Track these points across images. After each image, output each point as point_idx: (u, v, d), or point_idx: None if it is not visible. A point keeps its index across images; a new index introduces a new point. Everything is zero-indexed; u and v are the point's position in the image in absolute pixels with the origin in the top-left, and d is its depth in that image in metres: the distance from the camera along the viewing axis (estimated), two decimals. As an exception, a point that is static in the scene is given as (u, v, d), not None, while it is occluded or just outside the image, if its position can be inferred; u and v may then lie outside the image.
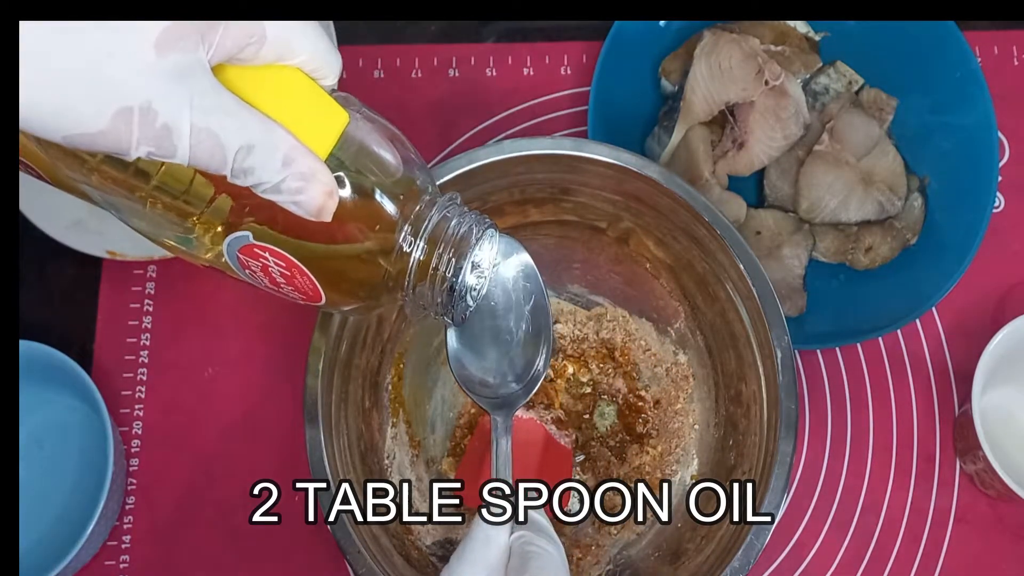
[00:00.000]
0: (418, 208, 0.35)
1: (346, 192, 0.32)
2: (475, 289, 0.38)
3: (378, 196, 0.34)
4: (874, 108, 0.63)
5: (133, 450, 0.59)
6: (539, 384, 0.45)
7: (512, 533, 0.40)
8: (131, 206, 0.33)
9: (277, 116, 0.30)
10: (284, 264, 0.34)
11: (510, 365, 0.46)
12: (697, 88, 0.61)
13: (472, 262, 0.37)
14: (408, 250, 0.35)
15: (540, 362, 0.45)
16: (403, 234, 0.35)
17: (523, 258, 0.43)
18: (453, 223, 0.36)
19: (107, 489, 0.53)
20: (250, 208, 0.32)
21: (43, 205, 0.57)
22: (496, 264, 0.40)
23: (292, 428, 0.59)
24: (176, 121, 0.27)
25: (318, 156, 0.31)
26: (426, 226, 0.36)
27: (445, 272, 0.36)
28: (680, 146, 0.62)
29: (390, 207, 0.34)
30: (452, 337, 0.45)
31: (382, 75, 0.67)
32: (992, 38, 0.69)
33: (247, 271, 0.35)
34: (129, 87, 0.26)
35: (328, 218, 0.31)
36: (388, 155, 0.34)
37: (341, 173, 0.32)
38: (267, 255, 0.33)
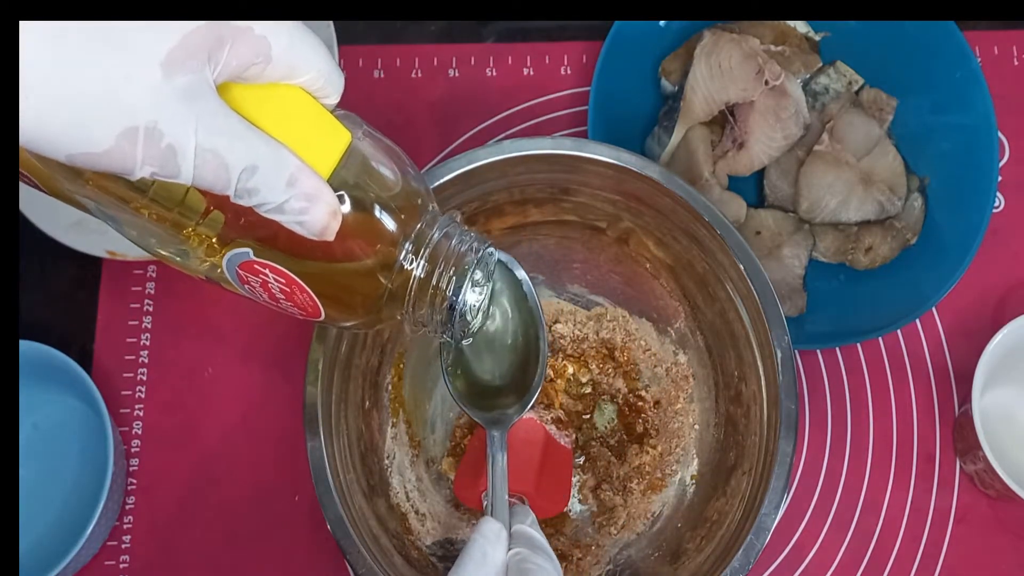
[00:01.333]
0: (419, 226, 0.36)
1: (348, 210, 0.33)
2: (474, 307, 0.38)
3: (380, 214, 0.34)
4: (874, 108, 0.63)
5: (133, 450, 0.59)
6: (535, 400, 0.46)
7: (509, 550, 0.41)
8: (126, 217, 0.33)
9: (281, 136, 0.30)
10: (284, 280, 0.34)
11: (505, 380, 0.46)
12: (697, 88, 0.61)
13: (472, 281, 0.37)
14: (409, 268, 0.36)
15: (535, 377, 0.45)
16: (404, 252, 0.35)
17: (519, 274, 0.43)
18: (454, 242, 0.37)
19: (107, 489, 0.53)
20: (245, 221, 0.32)
21: (44, 205, 0.57)
22: (493, 283, 0.41)
23: (292, 427, 0.59)
24: (181, 142, 0.27)
25: (321, 176, 0.31)
26: (427, 244, 0.36)
27: (445, 290, 0.37)
28: (680, 146, 0.62)
29: (391, 225, 0.34)
30: (447, 352, 0.45)
31: (382, 75, 0.67)
32: (992, 38, 0.69)
33: (246, 286, 0.35)
34: (135, 107, 0.26)
35: (331, 238, 0.31)
36: (389, 173, 0.35)
37: (343, 192, 0.32)
38: (267, 271, 0.33)
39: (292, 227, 0.31)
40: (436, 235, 0.36)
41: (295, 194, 0.30)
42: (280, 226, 0.31)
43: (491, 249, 0.39)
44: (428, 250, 0.36)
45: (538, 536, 0.43)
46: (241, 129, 0.29)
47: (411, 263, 0.36)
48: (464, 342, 0.43)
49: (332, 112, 0.33)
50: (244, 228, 0.32)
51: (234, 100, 0.30)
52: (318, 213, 0.30)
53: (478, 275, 0.38)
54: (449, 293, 0.37)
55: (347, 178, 0.33)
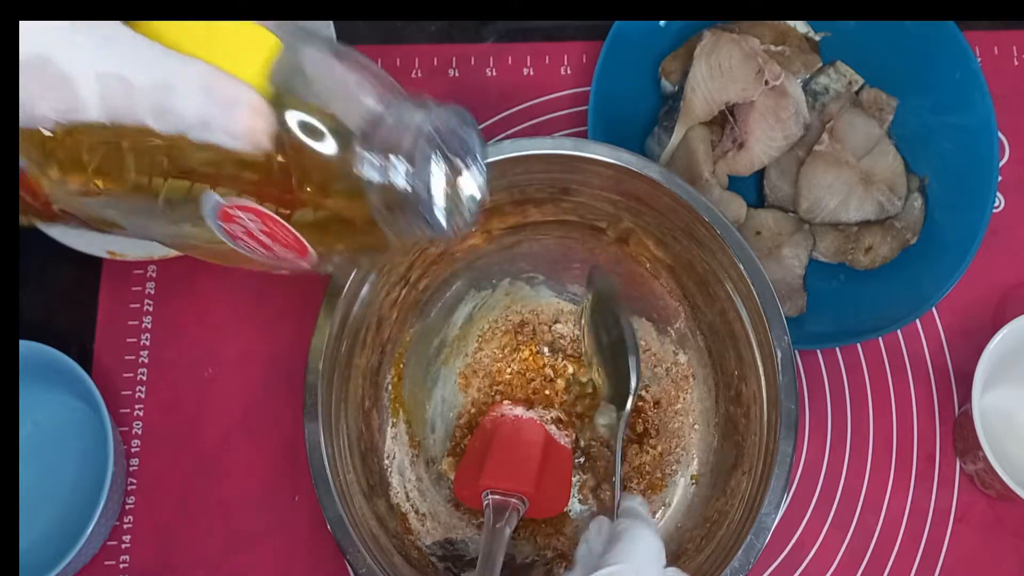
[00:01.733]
0: (377, 128, 0.33)
1: (293, 122, 0.31)
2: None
3: (326, 122, 0.32)
4: (874, 108, 0.63)
5: (133, 450, 0.59)
6: (633, 401, 0.53)
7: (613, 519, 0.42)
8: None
9: (193, 51, 0.29)
10: (258, 218, 0.32)
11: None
12: (697, 88, 0.61)
13: (435, 159, 0.33)
14: (362, 170, 0.33)
15: (633, 379, 0.53)
16: (358, 156, 0.32)
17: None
18: (412, 127, 0.33)
19: (107, 489, 0.53)
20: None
21: (43, 205, 0.57)
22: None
23: (292, 428, 0.59)
24: (76, 68, 0.25)
25: (245, 81, 0.29)
26: (379, 142, 0.33)
27: (403, 181, 0.33)
28: (680, 146, 0.62)
29: (341, 131, 0.32)
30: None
31: (382, 75, 0.67)
32: (992, 38, 0.69)
33: (238, 242, 0.34)
34: (19, 37, 0.24)
35: (265, 141, 0.30)
36: (342, 80, 0.33)
37: (287, 103, 0.31)
38: (240, 213, 0.32)
39: (227, 144, 0.29)
40: (391, 131, 0.33)
41: (213, 102, 0.28)
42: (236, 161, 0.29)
43: (457, 122, 0.34)
44: (377, 146, 0.33)
45: (639, 508, 0.45)
46: (145, 48, 0.27)
47: (362, 163, 0.32)
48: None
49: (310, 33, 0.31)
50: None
51: (138, 25, 0.28)
52: (241, 115, 0.29)
53: (451, 155, 0.34)
54: (406, 183, 0.33)
55: (286, 88, 0.31)
